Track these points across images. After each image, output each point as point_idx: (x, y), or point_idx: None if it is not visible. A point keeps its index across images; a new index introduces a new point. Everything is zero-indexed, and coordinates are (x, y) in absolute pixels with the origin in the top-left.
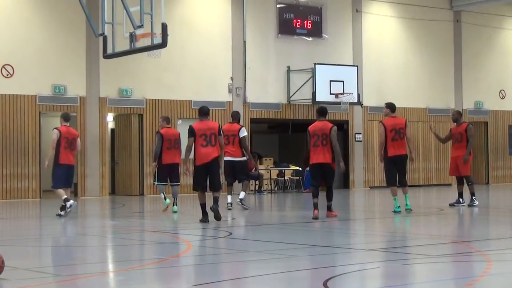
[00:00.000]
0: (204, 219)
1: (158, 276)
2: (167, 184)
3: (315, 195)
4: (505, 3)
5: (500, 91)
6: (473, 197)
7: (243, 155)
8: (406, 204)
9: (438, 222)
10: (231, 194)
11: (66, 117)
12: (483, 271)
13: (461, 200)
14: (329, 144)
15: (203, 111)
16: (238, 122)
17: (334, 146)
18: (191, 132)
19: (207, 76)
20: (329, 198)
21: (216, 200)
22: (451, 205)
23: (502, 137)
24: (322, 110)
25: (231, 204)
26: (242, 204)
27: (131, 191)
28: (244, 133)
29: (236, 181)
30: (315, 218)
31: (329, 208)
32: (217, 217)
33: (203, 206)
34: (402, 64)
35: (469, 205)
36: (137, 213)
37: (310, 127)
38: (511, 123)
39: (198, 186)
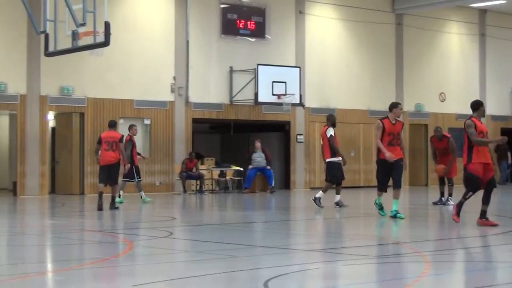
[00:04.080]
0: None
1: (98, 276)
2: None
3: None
4: (445, 7)
5: (440, 94)
6: (450, 198)
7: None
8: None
9: (379, 223)
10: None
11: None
12: (421, 272)
13: (442, 199)
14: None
15: (110, 124)
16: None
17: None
18: (99, 139)
19: (150, 76)
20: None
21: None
22: (435, 203)
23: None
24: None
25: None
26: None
27: (71, 190)
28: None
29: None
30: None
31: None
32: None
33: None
34: (344, 65)
35: (445, 204)
36: (77, 213)
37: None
38: (451, 126)
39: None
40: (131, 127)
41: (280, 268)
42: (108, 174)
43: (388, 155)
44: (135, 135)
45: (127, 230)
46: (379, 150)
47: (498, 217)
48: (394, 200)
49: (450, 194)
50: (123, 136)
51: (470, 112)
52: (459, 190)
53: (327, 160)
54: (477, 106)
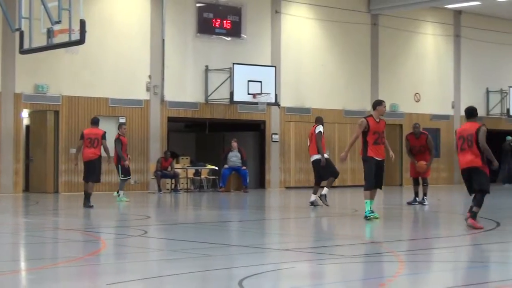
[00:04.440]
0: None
1: (72, 274)
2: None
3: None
4: (421, 8)
5: (415, 94)
6: (425, 197)
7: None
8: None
9: (353, 222)
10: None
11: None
12: (395, 271)
13: (417, 199)
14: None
15: (93, 121)
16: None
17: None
18: (81, 135)
19: (125, 74)
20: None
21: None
22: (409, 203)
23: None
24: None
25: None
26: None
27: (45, 189)
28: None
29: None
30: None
31: (473, 216)
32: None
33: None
34: (320, 65)
35: (423, 204)
36: (51, 211)
37: (457, 129)
38: (425, 126)
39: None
40: (120, 126)
41: (254, 267)
42: (88, 170)
43: (343, 155)
44: (124, 134)
45: (101, 229)
46: (365, 148)
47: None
48: (370, 201)
49: (425, 194)
50: (105, 132)
51: (445, 112)
52: (434, 189)
53: (326, 156)
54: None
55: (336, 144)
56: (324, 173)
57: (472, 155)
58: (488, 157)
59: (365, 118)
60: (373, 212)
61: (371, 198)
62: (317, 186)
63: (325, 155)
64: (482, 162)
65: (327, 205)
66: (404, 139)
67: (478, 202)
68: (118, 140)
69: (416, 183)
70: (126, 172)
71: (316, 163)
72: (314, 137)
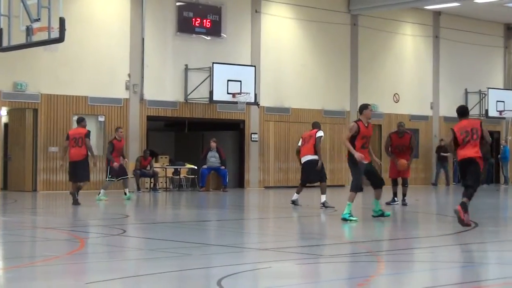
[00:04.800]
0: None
1: (49, 273)
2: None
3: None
4: (400, 9)
5: (394, 95)
6: (405, 198)
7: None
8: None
9: (332, 222)
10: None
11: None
12: (374, 271)
13: (396, 199)
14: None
15: (77, 120)
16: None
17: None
18: (67, 136)
19: (104, 73)
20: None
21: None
22: (388, 203)
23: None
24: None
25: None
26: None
27: (23, 187)
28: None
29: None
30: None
31: (464, 207)
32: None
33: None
34: (300, 65)
35: (404, 204)
36: (29, 209)
37: (455, 127)
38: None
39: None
40: (116, 129)
41: (233, 266)
42: (74, 170)
43: (358, 155)
44: (119, 138)
45: (80, 228)
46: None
47: (453, 218)
48: (350, 203)
49: (404, 195)
50: (89, 131)
51: (423, 113)
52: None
53: (318, 159)
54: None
55: None
56: (315, 175)
57: (475, 147)
58: (485, 152)
59: (355, 122)
60: (352, 216)
61: (377, 198)
62: (302, 186)
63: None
64: (481, 155)
65: (333, 207)
66: (387, 138)
67: (470, 195)
68: (110, 143)
69: (395, 183)
70: (115, 173)
71: (308, 164)
72: (313, 139)
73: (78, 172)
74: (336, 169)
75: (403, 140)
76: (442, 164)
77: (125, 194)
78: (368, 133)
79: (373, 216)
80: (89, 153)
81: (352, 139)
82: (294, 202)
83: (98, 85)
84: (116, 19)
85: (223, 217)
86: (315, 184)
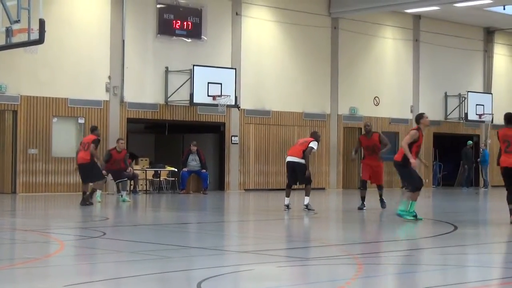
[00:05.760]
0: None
1: (29, 276)
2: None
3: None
4: (381, 12)
5: (374, 98)
6: (383, 198)
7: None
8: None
9: (312, 225)
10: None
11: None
12: (354, 274)
13: (365, 203)
14: None
15: (90, 129)
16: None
17: None
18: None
19: (85, 74)
20: None
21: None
22: (360, 208)
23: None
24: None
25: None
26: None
27: (2, 189)
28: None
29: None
30: None
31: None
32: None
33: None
34: (280, 68)
35: (383, 207)
36: (8, 211)
37: (500, 132)
38: (384, 130)
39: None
40: (117, 141)
41: (213, 269)
42: (82, 172)
43: (413, 162)
44: (119, 149)
45: (60, 230)
46: (405, 154)
47: (434, 221)
48: (414, 202)
49: (380, 195)
50: (98, 139)
51: (403, 116)
52: (393, 193)
53: (304, 162)
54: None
55: None
56: (303, 178)
57: None
58: None
59: (417, 130)
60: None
61: (415, 199)
62: (290, 189)
63: (303, 161)
64: None
65: (314, 210)
66: (357, 141)
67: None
68: (108, 153)
69: (364, 187)
70: (116, 176)
71: (296, 165)
72: (305, 145)
73: (88, 173)
74: (317, 172)
75: (371, 140)
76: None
77: (121, 196)
78: (421, 141)
79: (406, 218)
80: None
81: (409, 145)
82: (288, 206)
83: (78, 87)
84: (96, 21)
85: (204, 220)
86: (298, 186)
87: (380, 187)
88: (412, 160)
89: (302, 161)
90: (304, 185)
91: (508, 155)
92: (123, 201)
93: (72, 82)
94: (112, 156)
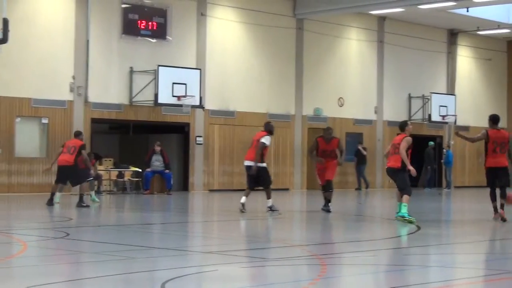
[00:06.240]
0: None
1: None
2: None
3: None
4: (346, 13)
5: (338, 99)
6: (329, 203)
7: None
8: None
9: (276, 226)
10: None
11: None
12: (318, 274)
13: (329, 204)
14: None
15: (75, 133)
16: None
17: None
18: (63, 144)
19: (48, 74)
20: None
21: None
22: (323, 209)
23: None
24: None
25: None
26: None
27: None
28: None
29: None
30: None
31: (502, 206)
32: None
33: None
34: (245, 69)
35: (322, 209)
36: None
37: (491, 133)
38: (348, 131)
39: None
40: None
41: (177, 270)
42: (60, 174)
43: (413, 170)
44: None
45: (23, 230)
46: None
47: (398, 222)
48: (406, 204)
49: (329, 200)
50: (84, 144)
51: (368, 117)
52: (357, 193)
53: (261, 165)
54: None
55: None
56: (263, 181)
57: (503, 157)
58: None
59: (410, 137)
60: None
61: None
62: (250, 190)
63: (263, 165)
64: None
65: (278, 210)
66: (313, 141)
67: (503, 194)
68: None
69: (325, 189)
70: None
71: (265, 170)
72: (257, 144)
73: (70, 176)
74: (281, 172)
75: (330, 145)
76: (360, 168)
77: (91, 196)
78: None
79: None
80: (79, 161)
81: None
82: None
83: (42, 86)
84: (60, 21)
85: (167, 220)
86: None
87: (329, 184)
88: (411, 168)
89: (260, 164)
90: (264, 188)
91: (495, 156)
92: (93, 200)
93: (35, 82)
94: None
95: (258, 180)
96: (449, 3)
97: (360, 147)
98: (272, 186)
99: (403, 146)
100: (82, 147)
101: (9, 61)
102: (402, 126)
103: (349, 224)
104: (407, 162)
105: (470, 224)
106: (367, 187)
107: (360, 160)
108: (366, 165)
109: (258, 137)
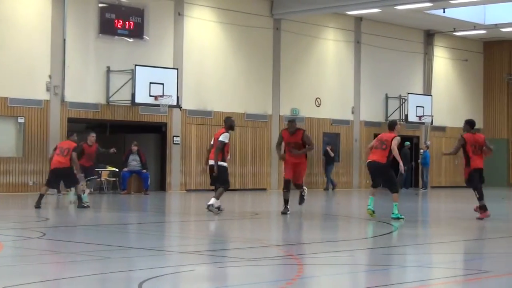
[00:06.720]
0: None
1: None
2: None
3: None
4: (323, 14)
5: (316, 99)
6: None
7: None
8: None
9: (253, 226)
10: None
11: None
12: (295, 274)
13: (288, 207)
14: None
15: (70, 134)
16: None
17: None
18: (55, 147)
19: (24, 74)
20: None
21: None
22: (284, 213)
23: (316, 144)
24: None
25: None
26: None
27: None
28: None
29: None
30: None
31: (482, 208)
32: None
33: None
34: (222, 68)
35: (300, 204)
36: None
37: (466, 137)
38: (325, 131)
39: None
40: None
41: (154, 270)
42: (53, 176)
43: (403, 167)
44: (89, 143)
45: None
46: (389, 157)
47: (375, 222)
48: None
49: (301, 200)
50: (77, 146)
51: (345, 117)
52: (333, 193)
53: (221, 163)
54: None
55: (237, 147)
56: (219, 180)
57: (481, 158)
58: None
59: (398, 136)
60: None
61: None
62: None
63: (223, 163)
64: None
65: (218, 213)
66: (279, 135)
67: (481, 196)
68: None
69: (287, 188)
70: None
71: (224, 169)
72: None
73: (64, 179)
74: (258, 172)
75: (294, 137)
76: (327, 169)
77: (83, 193)
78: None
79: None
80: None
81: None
82: (213, 207)
83: (18, 86)
84: (37, 19)
85: (144, 220)
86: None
87: (299, 186)
88: (402, 165)
89: (220, 163)
90: (220, 186)
91: (477, 157)
92: (70, 201)
93: (11, 81)
94: (84, 150)
95: (217, 178)
96: (426, 4)
97: (328, 148)
98: (251, 186)
99: (395, 144)
100: (75, 149)
101: None
102: (392, 125)
103: (326, 224)
104: (399, 159)
105: (446, 224)
106: (333, 188)
107: (328, 161)
108: (333, 166)
109: (218, 135)
